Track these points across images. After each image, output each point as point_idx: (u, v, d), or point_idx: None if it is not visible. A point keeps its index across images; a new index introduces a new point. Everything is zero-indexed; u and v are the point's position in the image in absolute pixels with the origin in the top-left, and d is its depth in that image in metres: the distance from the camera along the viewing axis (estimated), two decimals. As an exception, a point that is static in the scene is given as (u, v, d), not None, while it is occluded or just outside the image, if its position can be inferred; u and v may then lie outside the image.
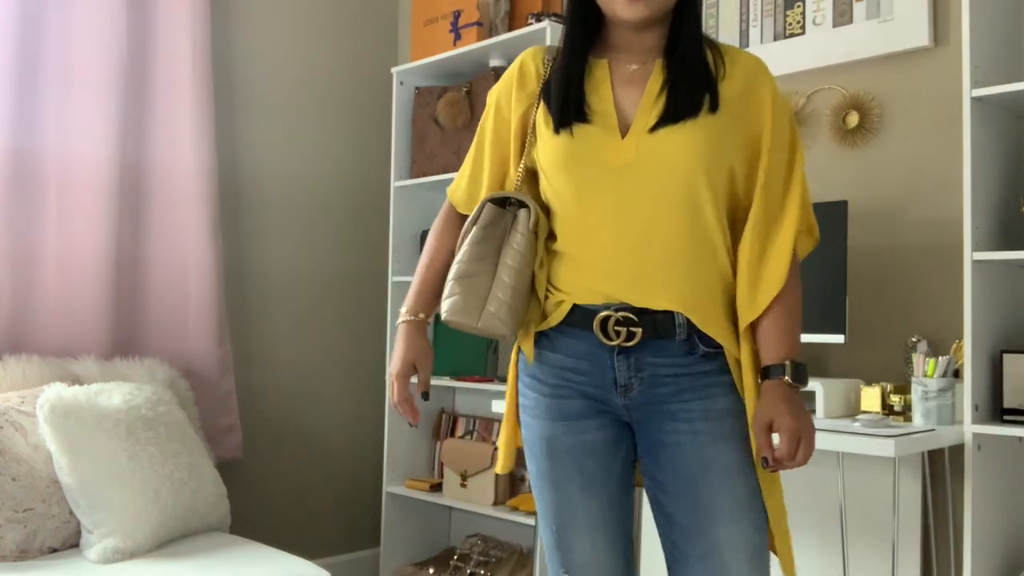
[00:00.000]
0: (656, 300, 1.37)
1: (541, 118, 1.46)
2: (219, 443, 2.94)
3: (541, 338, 1.46)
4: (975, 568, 2.00)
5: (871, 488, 2.29)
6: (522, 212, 1.44)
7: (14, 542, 2.15)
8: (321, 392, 3.40)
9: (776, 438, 1.35)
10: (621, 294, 1.38)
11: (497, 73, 3.08)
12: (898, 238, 2.41)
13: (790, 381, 1.35)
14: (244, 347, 3.18)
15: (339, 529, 3.44)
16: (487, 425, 3.18)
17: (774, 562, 1.43)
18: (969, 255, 2.03)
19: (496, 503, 2.95)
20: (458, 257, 1.44)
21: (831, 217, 2.29)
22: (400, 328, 1.52)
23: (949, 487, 2.23)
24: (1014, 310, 2.18)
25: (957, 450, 2.13)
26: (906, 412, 2.22)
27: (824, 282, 2.30)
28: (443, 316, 1.42)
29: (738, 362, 1.41)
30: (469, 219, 1.46)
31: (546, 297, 1.45)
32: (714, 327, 1.39)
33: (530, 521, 2.79)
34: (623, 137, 1.39)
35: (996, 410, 2.08)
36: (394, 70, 3.35)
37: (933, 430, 2.03)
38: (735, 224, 1.43)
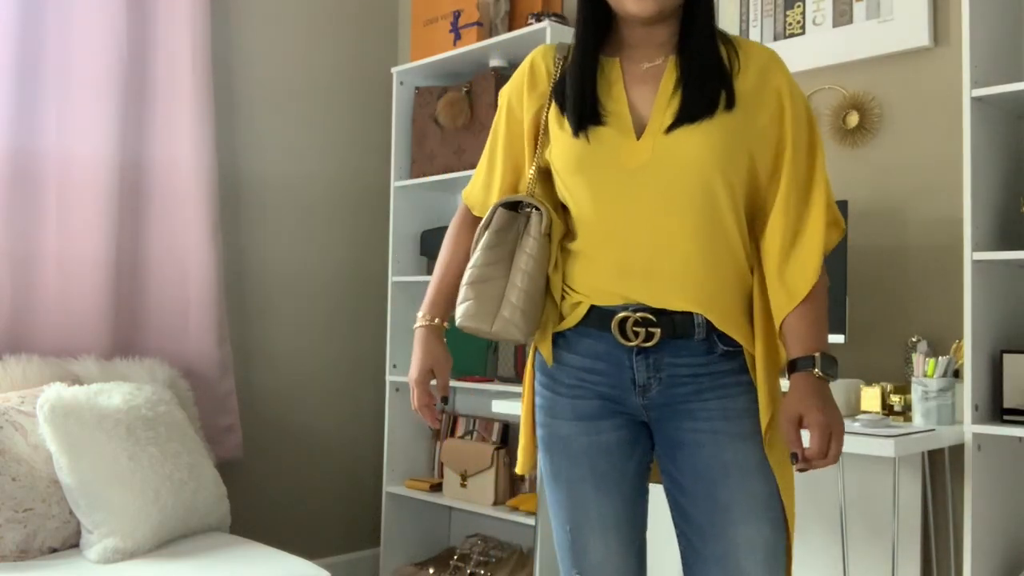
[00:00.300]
0: (674, 300, 1.37)
1: (554, 119, 1.44)
2: (219, 443, 2.94)
3: (558, 339, 1.46)
4: (975, 568, 2.00)
5: (871, 488, 2.29)
6: (534, 216, 1.43)
7: (14, 542, 2.15)
8: (321, 392, 3.40)
9: (806, 435, 1.33)
10: (639, 295, 1.37)
11: (497, 73, 3.08)
12: (898, 238, 2.41)
13: (820, 373, 1.34)
14: (244, 347, 3.18)
15: (339, 529, 3.44)
16: (487, 425, 3.18)
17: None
18: (969, 255, 2.03)
19: (496, 503, 2.95)
20: (471, 262, 1.44)
21: (831, 217, 2.29)
22: (417, 333, 1.52)
23: (949, 487, 2.23)
24: (1014, 310, 2.18)
25: (957, 450, 2.13)
26: (906, 412, 2.22)
27: (824, 282, 2.29)
28: (457, 322, 1.42)
29: (755, 359, 1.40)
30: (481, 224, 1.46)
31: (563, 298, 1.45)
32: (732, 326, 1.38)
33: (530, 521, 2.79)
34: (638, 138, 1.37)
35: (996, 410, 2.08)
36: (394, 70, 3.35)
37: (933, 430, 2.03)
38: (754, 220, 1.42)
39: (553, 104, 1.45)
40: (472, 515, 3.34)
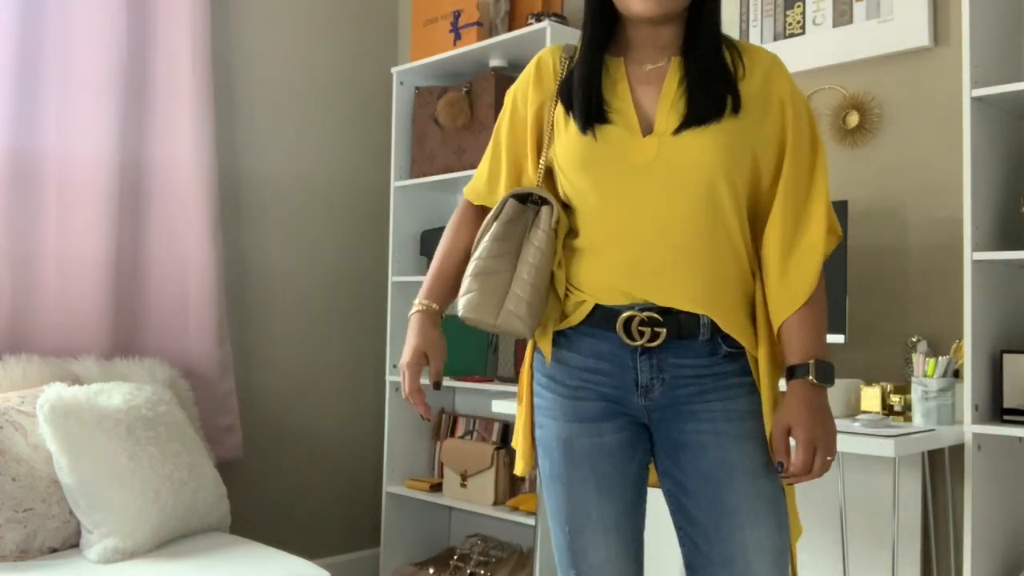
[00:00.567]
0: (681, 301, 1.36)
1: (559, 116, 1.44)
2: (219, 443, 2.94)
3: (559, 338, 1.45)
4: (975, 568, 2.00)
5: (871, 488, 2.29)
6: (544, 209, 1.42)
7: (14, 542, 2.15)
8: (321, 392, 3.40)
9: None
10: (646, 293, 1.37)
11: (497, 73, 3.08)
12: (898, 238, 2.41)
13: (814, 381, 1.34)
14: (244, 347, 3.18)
15: (339, 529, 3.44)
16: (487, 425, 3.18)
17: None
18: (969, 255, 2.03)
19: (496, 503, 2.95)
20: (477, 253, 1.42)
21: (831, 217, 2.29)
22: (412, 318, 1.50)
23: (949, 487, 2.23)
24: (1014, 310, 2.18)
25: (957, 450, 2.13)
26: (906, 412, 2.22)
27: (824, 282, 2.29)
28: (460, 312, 1.40)
29: (757, 361, 1.40)
30: (490, 215, 1.45)
31: (566, 296, 1.44)
32: (736, 328, 1.38)
33: (530, 521, 2.79)
34: (644, 137, 1.38)
35: (996, 410, 2.08)
36: (394, 70, 3.35)
37: (933, 430, 2.03)
38: (754, 224, 1.43)
39: (559, 102, 1.45)
40: (472, 515, 3.34)
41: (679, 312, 1.37)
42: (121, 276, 2.81)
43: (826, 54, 2.53)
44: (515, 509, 2.89)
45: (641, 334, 1.37)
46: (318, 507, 3.38)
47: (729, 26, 2.72)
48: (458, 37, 3.20)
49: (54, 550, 2.24)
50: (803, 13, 2.59)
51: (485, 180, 1.55)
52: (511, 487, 3.00)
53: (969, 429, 2.01)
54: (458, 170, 3.11)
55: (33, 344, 2.64)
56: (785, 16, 2.62)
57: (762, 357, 1.40)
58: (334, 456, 3.43)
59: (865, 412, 2.25)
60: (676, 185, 1.36)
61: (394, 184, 3.32)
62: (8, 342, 2.59)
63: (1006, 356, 2.05)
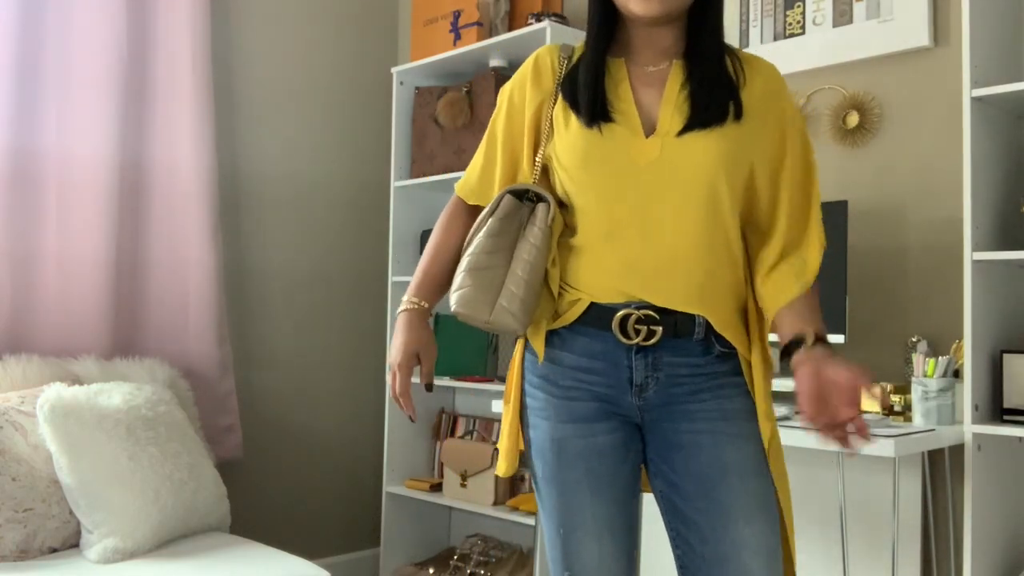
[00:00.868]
0: (679, 301, 1.37)
1: (559, 114, 1.44)
2: (219, 443, 2.94)
3: (552, 337, 1.44)
4: (975, 568, 2.00)
5: (871, 488, 2.29)
6: (541, 206, 1.42)
7: (14, 542, 2.15)
8: (321, 392, 3.40)
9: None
10: (644, 293, 1.37)
11: (497, 73, 3.08)
12: (898, 238, 2.41)
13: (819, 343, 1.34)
14: (244, 347, 3.18)
15: (339, 529, 3.44)
16: (487, 425, 3.18)
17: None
18: (969, 255, 2.03)
19: (496, 503, 2.95)
20: (471, 249, 1.41)
21: (831, 217, 2.29)
22: (401, 317, 1.49)
23: (949, 487, 2.23)
24: (1014, 310, 2.18)
25: (957, 450, 2.13)
26: (906, 412, 2.22)
27: (824, 282, 2.29)
28: (453, 307, 1.39)
29: (750, 364, 1.41)
30: (486, 210, 1.44)
31: (560, 295, 1.44)
32: (729, 329, 1.39)
33: (530, 521, 2.79)
34: (647, 137, 1.38)
35: (996, 410, 2.08)
36: (394, 70, 3.35)
37: (933, 430, 2.03)
38: (745, 233, 1.45)
39: (559, 100, 1.45)
40: (472, 515, 3.34)
41: (675, 311, 1.37)
42: (121, 276, 2.81)
43: (826, 54, 2.53)
44: (515, 509, 2.89)
45: (637, 332, 1.37)
46: (318, 507, 3.38)
47: (729, 26, 2.73)
48: (458, 37, 3.20)
49: (54, 550, 2.24)
50: (803, 13, 2.59)
51: (478, 177, 1.54)
52: (511, 487, 3.00)
53: (969, 429, 2.01)
54: (458, 170, 3.11)
55: (33, 344, 2.64)
56: (785, 16, 2.62)
57: (756, 359, 1.41)
58: (334, 456, 3.43)
59: (865, 412, 2.25)
60: (678, 186, 1.36)
61: (394, 184, 3.32)
62: (8, 342, 2.59)
63: (1006, 356, 2.05)
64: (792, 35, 2.61)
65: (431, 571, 3.13)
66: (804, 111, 2.58)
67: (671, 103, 1.39)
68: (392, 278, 3.30)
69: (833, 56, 2.51)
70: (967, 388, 2.02)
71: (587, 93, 1.41)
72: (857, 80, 2.50)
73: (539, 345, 1.45)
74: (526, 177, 1.47)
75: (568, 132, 1.42)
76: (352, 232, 3.50)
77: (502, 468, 1.52)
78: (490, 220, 1.42)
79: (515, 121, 1.50)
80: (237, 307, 3.16)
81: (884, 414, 2.24)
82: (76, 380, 2.51)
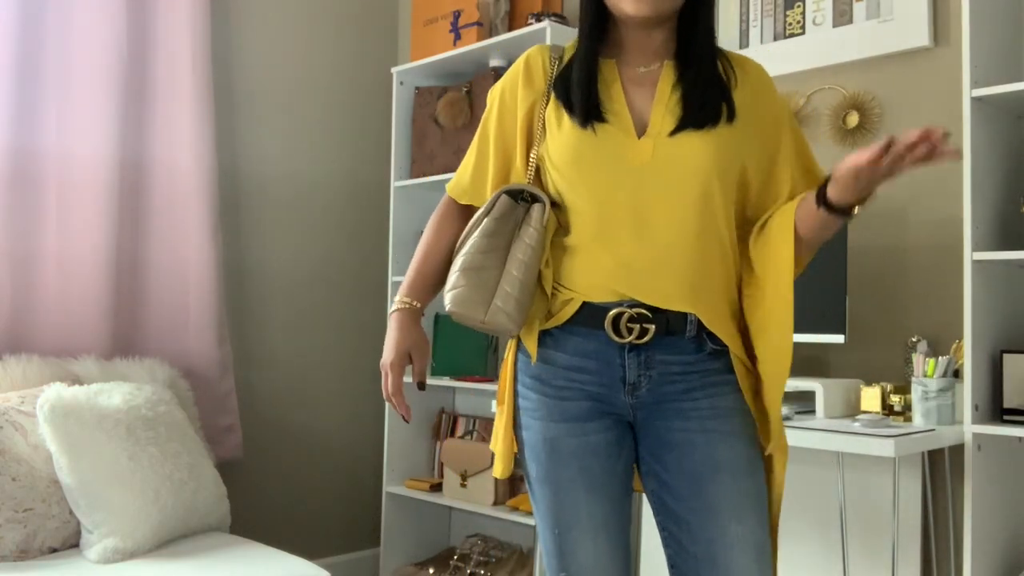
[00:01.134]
0: (670, 299, 1.37)
1: (552, 114, 1.45)
2: (219, 443, 2.94)
3: (545, 337, 1.45)
4: (975, 568, 2.00)
5: (871, 488, 2.29)
6: (536, 207, 1.42)
7: (14, 542, 2.15)
8: (321, 392, 3.40)
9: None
10: (635, 292, 1.38)
11: (497, 73, 3.08)
12: (898, 238, 2.41)
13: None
14: (244, 347, 3.18)
15: (339, 529, 3.44)
16: (487, 425, 3.18)
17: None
18: (969, 255, 2.03)
19: (496, 503, 2.95)
20: (465, 248, 1.42)
21: (831, 217, 2.29)
22: (393, 317, 1.49)
23: (949, 487, 2.23)
24: (1014, 310, 2.18)
25: (957, 450, 2.13)
26: (906, 412, 2.22)
27: (824, 282, 2.30)
28: (448, 307, 1.39)
29: (741, 363, 1.41)
30: (481, 210, 1.44)
31: (552, 295, 1.44)
32: (721, 327, 1.40)
33: (530, 521, 2.79)
34: (639, 138, 1.39)
35: (996, 410, 2.08)
36: (394, 70, 3.35)
37: (933, 430, 2.03)
38: (743, 230, 1.45)
39: (551, 100, 1.45)
40: (472, 515, 3.34)
41: (666, 310, 1.38)
42: (121, 276, 2.81)
43: (826, 54, 2.53)
44: (515, 509, 2.89)
45: (630, 331, 1.38)
46: (318, 507, 3.38)
47: (729, 26, 2.73)
48: (458, 37, 3.20)
49: (54, 550, 2.24)
50: (803, 13, 2.59)
51: (470, 177, 1.54)
52: (511, 487, 3.00)
53: (969, 429, 2.01)
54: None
55: (33, 344, 2.64)
56: (785, 16, 2.62)
57: (758, 368, 1.41)
58: (334, 456, 3.43)
59: (865, 412, 2.25)
60: (670, 187, 1.37)
61: (394, 184, 3.32)
62: (8, 342, 2.59)
63: (1006, 356, 2.05)
64: (792, 35, 2.61)
65: (431, 571, 3.13)
66: (804, 111, 2.58)
67: (663, 104, 1.40)
68: (392, 278, 3.30)
69: (833, 56, 2.51)
70: (967, 388, 2.02)
71: (580, 93, 1.41)
72: (857, 80, 2.50)
73: (532, 345, 1.45)
74: (520, 177, 1.47)
75: (561, 132, 1.42)
76: (352, 232, 3.50)
77: (498, 470, 1.52)
78: (485, 220, 1.42)
79: (507, 121, 1.50)
80: (237, 307, 3.16)
81: (884, 414, 2.24)
82: (76, 380, 2.51)
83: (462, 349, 3.14)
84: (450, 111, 3.13)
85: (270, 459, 3.24)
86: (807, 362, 2.53)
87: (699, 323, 1.39)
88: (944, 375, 2.13)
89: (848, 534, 2.30)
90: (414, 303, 1.50)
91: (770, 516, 1.42)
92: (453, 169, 3.14)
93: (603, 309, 1.39)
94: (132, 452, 2.31)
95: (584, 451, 1.43)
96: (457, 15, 3.21)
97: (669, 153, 1.37)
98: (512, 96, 1.50)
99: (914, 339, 2.32)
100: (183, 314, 2.91)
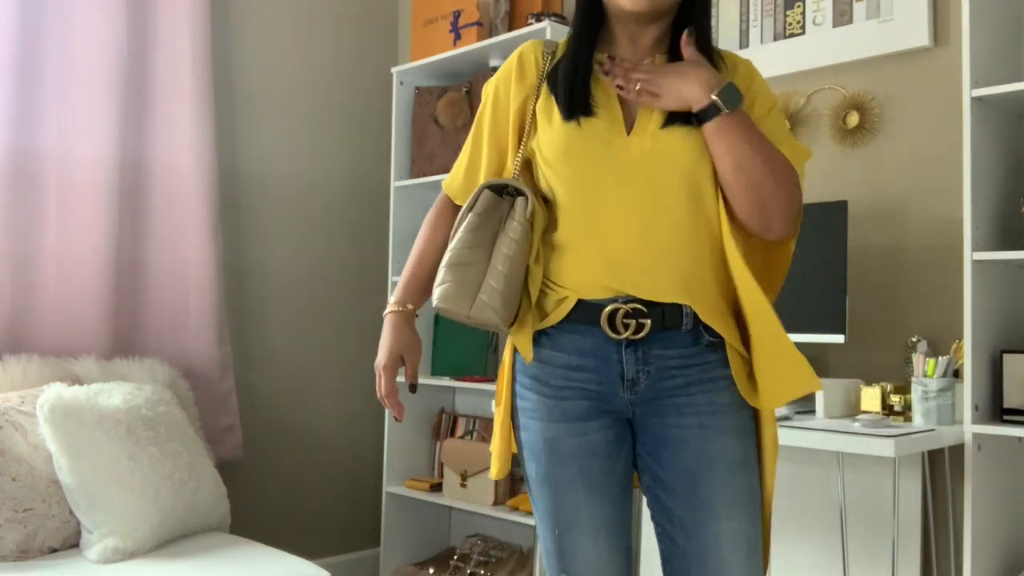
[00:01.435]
0: (664, 293, 1.37)
1: (541, 109, 1.45)
2: (219, 443, 2.94)
3: (541, 337, 1.45)
4: (975, 568, 2.00)
5: (871, 488, 2.29)
6: (519, 200, 1.42)
7: (14, 542, 2.15)
8: (321, 392, 3.40)
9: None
10: (629, 287, 1.38)
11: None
12: (898, 238, 2.41)
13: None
14: (244, 347, 3.18)
15: (339, 529, 3.44)
16: (487, 425, 3.18)
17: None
18: (969, 255, 2.03)
19: (496, 503, 2.95)
20: (452, 244, 1.42)
21: (831, 217, 2.29)
22: (387, 319, 1.50)
23: (949, 487, 2.23)
24: (1014, 310, 2.18)
25: (957, 450, 2.13)
26: (906, 412, 2.22)
27: (824, 282, 2.30)
28: (434, 303, 1.39)
29: (737, 353, 1.41)
30: (465, 205, 1.44)
31: (545, 294, 1.44)
32: (716, 319, 1.39)
33: (530, 521, 2.79)
34: (628, 132, 1.39)
35: (996, 410, 2.08)
36: (394, 70, 3.35)
37: (933, 430, 2.03)
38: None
39: (541, 94, 1.46)
40: (472, 515, 3.34)
41: (661, 303, 1.37)
42: (121, 276, 2.81)
43: (826, 54, 2.53)
44: (515, 509, 2.89)
45: (626, 327, 1.38)
46: (318, 507, 3.38)
47: (729, 26, 2.73)
48: (458, 37, 3.20)
49: (54, 550, 2.24)
50: (803, 13, 2.59)
51: (464, 175, 1.54)
52: (511, 487, 3.00)
53: (969, 429, 2.01)
54: (458, 170, 3.11)
55: (33, 344, 2.64)
56: (785, 16, 2.62)
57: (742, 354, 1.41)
58: (334, 456, 3.43)
59: (865, 412, 2.25)
60: (660, 181, 1.37)
61: (394, 184, 3.32)
62: (8, 342, 2.59)
63: (1006, 356, 2.05)
64: (792, 35, 2.61)
65: (431, 571, 3.13)
66: (804, 111, 2.58)
67: None
68: (392, 278, 3.30)
69: (833, 56, 2.51)
70: (967, 388, 2.02)
71: (570, 88, 1.42)
72: (857, 80, 2.50)
73: (524, 346, 1.45)
74: (510, 172, 1.48)
75: (551, 127, 1.43)
76: (352, 232, 3.50)
77: (494, 471, 1.52)
78: (469, 215, 1.42)
79: (500, 117, 1.51)
80: (237, 307, 3.16)
81: (884, 414, 2.24)
82: (76, 380, 2.51)
83: (462, 349, 3.14)
84: (450, 111, 3.13)
85: (270, 459, 3.24)
86: (807, 361, 2.53)
87: (695, 316, 1.39)
88: (944, 375, 2.13)
89: (848, 534, 2.30)
90: (407, 306, 1.50)
91: (763, 510, 1.42)
92: (453, 169, 3.14)
93: (598, 306, 1.39)
94: (132, 452, 2.31)
95: (584, 451, 1.43)
96: (457, 15, 3.21)
97: (658, 148, 1.37)
98: (505, 92, 1.50)
99: (914, 339, 2.32)
100: (183, 314, 2.91)
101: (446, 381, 3.07)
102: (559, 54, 1.48)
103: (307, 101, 3.38)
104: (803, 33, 2.58)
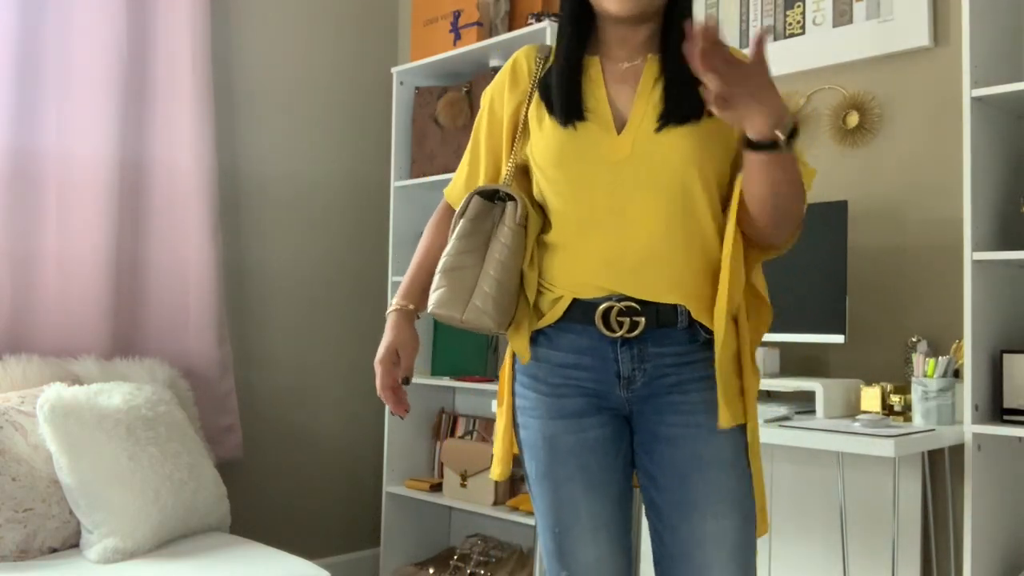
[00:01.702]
0: (658, 292, 1.38)
1: (534, 114, 1.46)
2: (219, 443, 2.94)
3: (539, 336, 1.46)
4: (975, 568, 2.00)
5: (871, 488, 2.29)
6: (509, 205, 1.44)
7: (14, 542, 2.15)
8: (321, 392, 3.40)
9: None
10: (621, 286, 1.38)
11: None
12: (898, 238, 2.41)
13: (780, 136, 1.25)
14: (244, 347, 3.18)
15: (339, 529, 3.44)
16: (487, 425, 3.18)
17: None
18: (969, 255, 2.03)
19: (496, 503, 2.95)
20: (446, 251, 1.44)
21: (831, 217, 2.29)
22: (389, 317, 1.53)
23: (949, 487, 2.23)
24: (1014, 310, 2.18)
25: (957, 450, 2.13)
26: (906, 412, 2.22)
27: (824, 282, 2.30)
28: (429, 308, 1.42)
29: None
30: (457, 212, 1.47)
31: (541, 294, 1.45)
32: (708, 316, 1.39)
33: (530, 521, 2.79)
34: (618, 134, 1.39)
35: (996, 410, 2.08)
36: (394, 70, 3.35)
37: (933, 430, 2.03)
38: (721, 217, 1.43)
39: (534, 100, 1.47)
40: (472, 515, 3.34)
41: (655, 302, 1.38)
42: (121, 276, 2.81)
43: (826, 54, 2.53)
44: (515, 509, 2.89)
45: (620, 325, 1.38)
46: (318, 507, 3.38)
47: (729, 26, 2.73)
48: (458, 37, 3.20)
49: (54, 550, 2.24)
50: (803, 13, 2.59)
51: (464, 181, 1.57)
52: (511, 487, 3.00)
53: (969, 429, 2.01)
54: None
55: (33, 344, 2.64)
56: (785, 16, 2.62)
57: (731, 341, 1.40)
58: (334, 456, 3.43)
59: (865, 412, 2.25)
60: (649, 181, 1.37)
61: (394, 184, 3.32)
62: (8, 342, 2.59)
63: (1006, 356, 2.05)
64: (792, 35, 2.61)
65: (431, 571, 3.13)
66: (804, 111, 2.58)
67: (644, 99, 1.40)
68: (392, 278, 3.30)
69: (833, 56, 2.51)
70: (967, 388, 2.02)
71: (559, 92, 1.43)
72: (857, 80, 2.50)
73: (521, 346, 1.46)
74: (504, 178, 1.49)
75: (542, 132, 1.44)
76: (352, 232, 3.50)
77: (496, 471, 1.54)
78: (461, 222, 1.45)
79: (495, 124, 1.53)
80: (237, 307, 3.16)
81: (884, 414, 2.24)
82: (76, 380, 2.51)
83: (462, 349, 3.14)
84: (450, 111, 3.13)
85: (270, 459, 3.24)
86: (807, 362, 2.53)
87: (690, 313, 1.39)
88: (944, 375, 2.13)
89: (848, 534, 2.30)
90: (408, 305, 1.53)
91: (754, 511, 1.42)
92: (453, 169, 3.14)
93: (592, 305, 1.40)
94: (132, 452, 2.31)
95: (582, 448, 1.43)
96: (457, 15, 3.21)
97: (648, 148, 1.37)
98: (499, 99, 1.52)
99: (914, 339, 2.32)
100: (183, 314, 2.91)
101: (446, 381, 3.07)
102: (552, 59, 1.49)
103: (307, 101, 3.38)
104: (803, 33, 2.58)
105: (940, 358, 2.14)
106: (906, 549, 2.24)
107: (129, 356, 2.74)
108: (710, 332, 1.40)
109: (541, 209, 1.47)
